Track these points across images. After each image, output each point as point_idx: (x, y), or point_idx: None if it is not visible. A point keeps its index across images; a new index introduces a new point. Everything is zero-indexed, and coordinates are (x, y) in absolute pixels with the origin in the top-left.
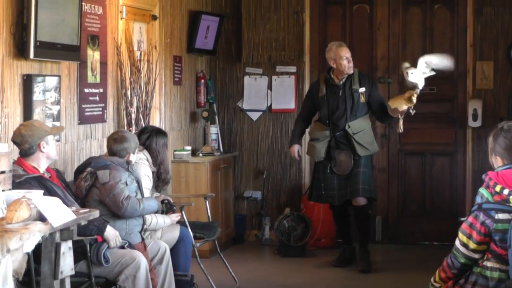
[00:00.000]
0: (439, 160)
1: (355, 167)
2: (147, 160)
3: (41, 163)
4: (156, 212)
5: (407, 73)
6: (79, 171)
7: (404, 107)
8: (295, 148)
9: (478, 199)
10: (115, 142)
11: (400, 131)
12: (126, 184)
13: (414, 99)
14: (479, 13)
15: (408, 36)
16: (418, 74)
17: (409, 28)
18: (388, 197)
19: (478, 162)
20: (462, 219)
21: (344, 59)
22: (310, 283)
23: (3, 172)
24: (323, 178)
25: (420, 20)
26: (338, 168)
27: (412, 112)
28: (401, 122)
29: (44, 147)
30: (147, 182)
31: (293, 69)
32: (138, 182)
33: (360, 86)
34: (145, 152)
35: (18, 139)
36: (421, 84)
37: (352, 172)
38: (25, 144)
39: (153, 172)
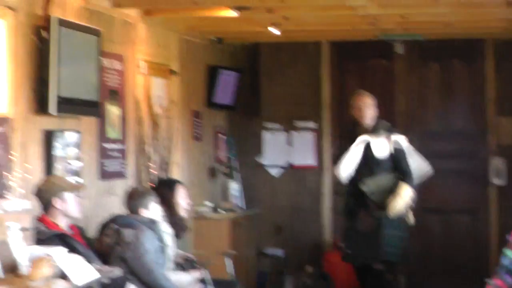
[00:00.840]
0: (461, 218)
1: (379, 228)
2: (164, 216)
3: (59, 220)
4: None
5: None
6: (103, 227)
7: (399, 205)
8: None
9: (504, 261)
10: (128, 198)
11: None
12: (151, 244)
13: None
14: (499, 68)
15: (427, 91)
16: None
17: (427, 83)
18: (409, 255)
19: (503, 220)
20: (488, 280)
21: (355, 107)
22: None
23: (25, 229)
24: (349, 235)
25: (438, 75)
26: (360, 226)
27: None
28: (410, 214)
29: (58, 204)
30: (168, 239)
31: (312, 124)
32: (162, 241)
33: None
34: (161, 208)
35: (37, 194)
36: None
37: (375, 233)
38: (42, 200)
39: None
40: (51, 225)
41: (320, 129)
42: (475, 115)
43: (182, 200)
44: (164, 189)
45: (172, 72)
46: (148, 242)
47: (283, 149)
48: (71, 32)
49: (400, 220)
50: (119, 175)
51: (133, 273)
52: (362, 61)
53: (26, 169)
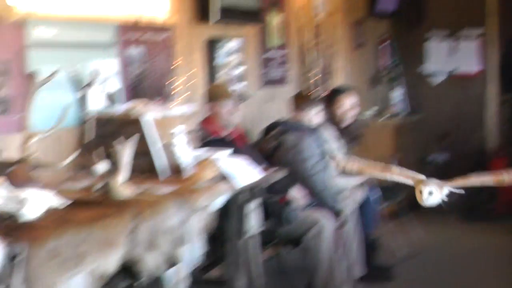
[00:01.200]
0: None
1: None
2: (329, 122)
3: (220, 125)
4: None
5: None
6: (265, 132)
7: None
8: None
9: None
10: (292, 103)
11: None
12: (312, 150)
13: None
14: None
15: None
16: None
17: None
18: None
19: None
20: None
21: None
22: (497, 249)
23: (189, 133)
24: None
25: None
26: None
27: None
28: None
29: (220, 110)
30: (333, 145)
31: (477, 32)
32: (324, 147)
33: None
34: (327, 114)
35: (199, 100)
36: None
37: None
38: (204, 105)
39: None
40: (213, 130)
41: (485, 37)
42: None
43: (350, 106)
44: (331, 96)
45: None
46: (309, 148)
47: (447, 57)
48: None
49: None
50: (281, 81)
51: (293, 177)
52: None
53: (189, 76)
